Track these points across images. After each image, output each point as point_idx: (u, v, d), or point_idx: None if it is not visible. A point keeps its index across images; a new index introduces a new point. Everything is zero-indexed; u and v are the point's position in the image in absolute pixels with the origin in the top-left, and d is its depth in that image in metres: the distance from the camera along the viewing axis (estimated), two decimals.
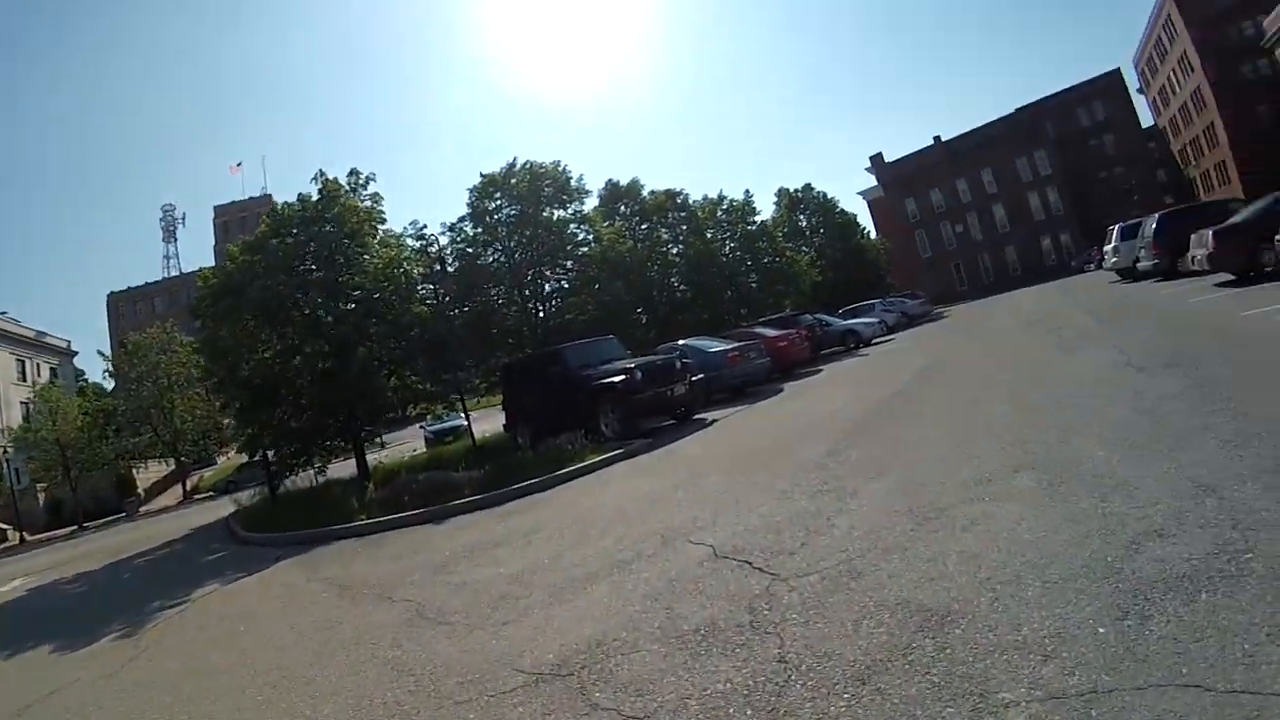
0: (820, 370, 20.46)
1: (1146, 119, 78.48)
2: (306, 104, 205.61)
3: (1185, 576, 3.08)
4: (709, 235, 35.30)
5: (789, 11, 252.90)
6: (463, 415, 20.02)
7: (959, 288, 69.86)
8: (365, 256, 19.09)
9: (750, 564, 4.67)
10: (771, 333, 21.17)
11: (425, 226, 23.42)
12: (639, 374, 13.91)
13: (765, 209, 43.83)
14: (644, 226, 33.51)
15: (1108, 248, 27.27)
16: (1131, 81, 76.51)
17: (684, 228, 34.27)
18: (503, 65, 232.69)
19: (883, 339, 28.06)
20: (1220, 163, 60.33)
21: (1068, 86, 74.98)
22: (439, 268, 21.80)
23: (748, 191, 37.89)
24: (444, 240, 24.29)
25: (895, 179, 75.53)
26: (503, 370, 19.00)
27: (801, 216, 49.68)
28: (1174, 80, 67.38)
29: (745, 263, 35.88)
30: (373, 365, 17.96)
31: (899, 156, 77.31)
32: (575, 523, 7.58)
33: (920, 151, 77.17)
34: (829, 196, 49.94)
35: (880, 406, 10.20)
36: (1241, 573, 2.97)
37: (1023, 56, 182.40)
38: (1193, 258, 16.60)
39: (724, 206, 36.89)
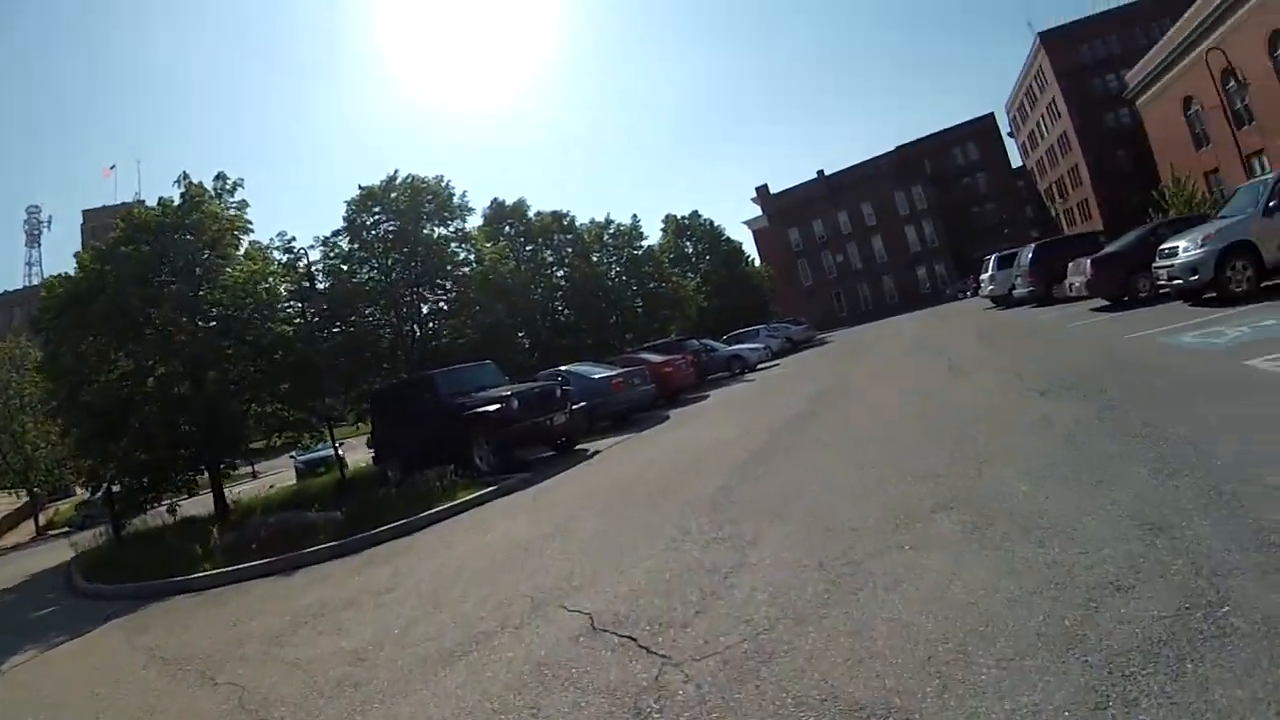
0: (707, 396, 20.02)
1: (1016, 160, 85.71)
2: (190, 106, 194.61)
3: (1161, 641, 2.57)
4: (595, 259, 34.76)
5: (684, 47, 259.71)
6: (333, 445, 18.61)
7: (839, 314, 72.60)
8: (228, 269, 17.28)
9: (635, 640, 3.80)
10: (656, 358, 20.63)
11: (294, 239, 21.31)
12: (516, 402, 12.91)
13: (653, 235, 44.08)
14: (529, 248, 32.68)
15: (984, 276, 28.66)
16: (1003, 125, 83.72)
17: (570, 250, 33.68)
18: (399, 78, 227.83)
19: (768, 364, 28.09)
20: (1083, 200, 66.21)
21: (945, 128, 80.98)
22: (308, 284, 20.05)
23: (635, 216, 37.78)
24: (316, 255, 22.44)
25: (779, 210, 77.95)
26: (371, 398, 17.65)
27: (688, 243, 49.96)
28: (1043, 125, 73.64)
29: (631, 287, 35.57)
30: (228, 390, 16.30)
31: (784, 188, 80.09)
32: (436, 577, 6.52)
33: (804, 184, 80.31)
34: (715, 224, 50.61)
35: (773, 435, 9.59)
36: (1224, 632, 2.54)
37: (906, 99, 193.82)
38: (1071, 285, 17.37)
39: (611, 230, 36.56)
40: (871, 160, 78.81)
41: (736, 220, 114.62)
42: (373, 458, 16.81)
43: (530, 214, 32.89)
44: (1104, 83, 60.35)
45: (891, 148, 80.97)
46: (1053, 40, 64.40)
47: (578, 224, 34.51)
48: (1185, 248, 12.15)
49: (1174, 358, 8.38)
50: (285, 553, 9.52)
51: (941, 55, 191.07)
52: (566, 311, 32.46)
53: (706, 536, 5.43)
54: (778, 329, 37.39)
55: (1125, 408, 6.34)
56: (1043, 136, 74.91)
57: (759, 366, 26.86)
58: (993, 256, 28.04)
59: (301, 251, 21.12)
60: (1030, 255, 22.85)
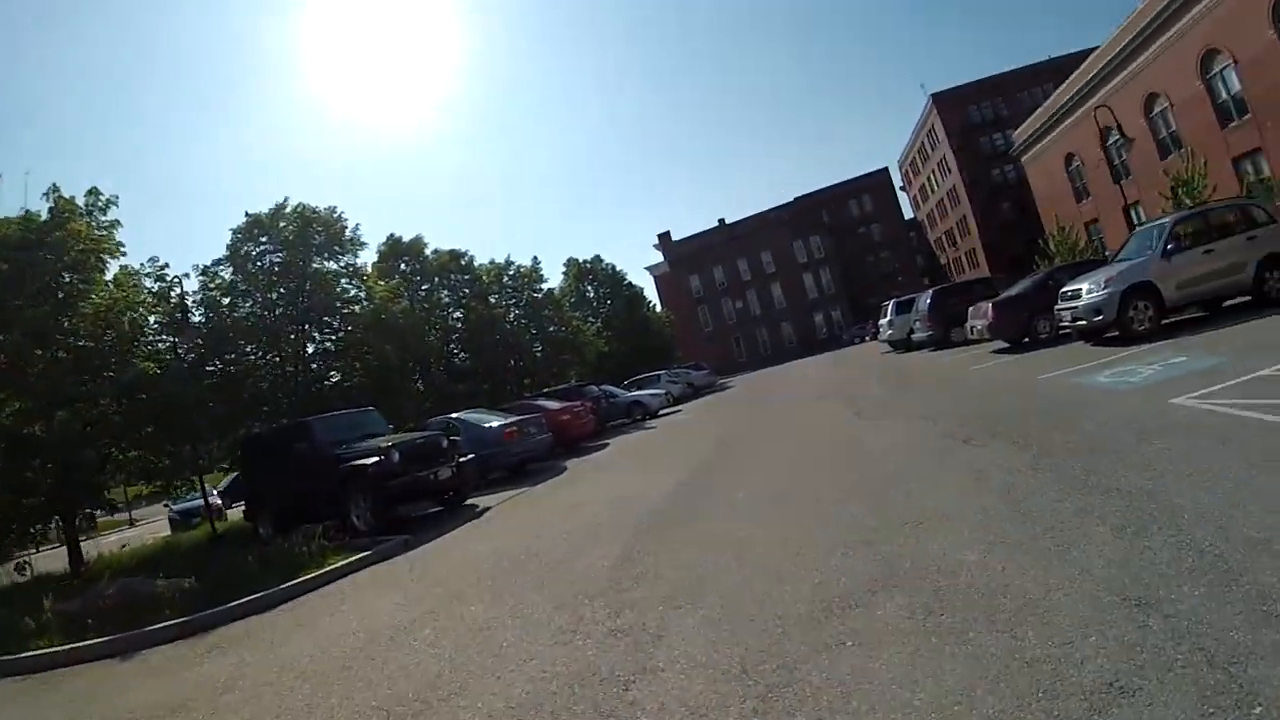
0: (607, 445, 19.16)
1: (908, 212, 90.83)
2: (88, 118, 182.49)
3: None
4: (494, 301, 33.69)
5: (590, 94, 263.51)
6: (215, 494, 17.18)
7: (739, 359, 73.60)
8: (92, 295, 15.28)
9: None
10: (554, 405, 19.69)
11: (166, 265, 19.02)
12: (396, 454, 11.70)
13: (554, 278, 43.54)
14: (425, 287, 31.40)
15: (883, 321, 29.12)
16: (896, 180, 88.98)
17: (467, 291, 32.48)
18: (305, 108, 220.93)
19: (670, 410, 27.49)
20: (971, 249, 70.94)
21: (842, 181, 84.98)
22: (181, 316, 18.01)
23: (535, 258, 37.02)
24: (194, 285, 20.29)
25: (681, 256, 78.88)
26: (242, 445, 16.04)
27: (590, 287, 49.69)
28: (933, 180, 78.73)
29: (530, 331, 34.57)
30: (81, 432, 14.26)
31: (686, 235, 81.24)
32: (283, 675, 5.30)
33: (706, 232, 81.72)
34: (617, 269, 50.54)
35: (678, 492, 8.81)
36: None
37: (806, 153, 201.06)
38: (972, 328, 17.66)
39: (511, 272, 35.59)
40: (772, 210, 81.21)
41: (639, 266, 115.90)
42: (244, 512, 15.36)
43: (428, 251, 31.71)
44: (991, 141, 66.08)
45: (790, 198, 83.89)
46: (944, 101, 69.25)
47: (476, 264, 33.53)
48: (1089, 290, 12.29)
49: (1094, 398, 8.11)
50: (127, 629, 7.99)
51: (840, 113, 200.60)
52: (463, 355, 31.22)
53: (603, 627, 4.50)
54: (679, 374, 37.07)
55: (1060, 454, 5.89)
56: (933, 190, 79.92)
57: (661, 412, 26.26)
58: (891, 302, 28.63)
59: (175, 280, 18.99)
60: (929, 300, 23.34)
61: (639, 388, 32.05)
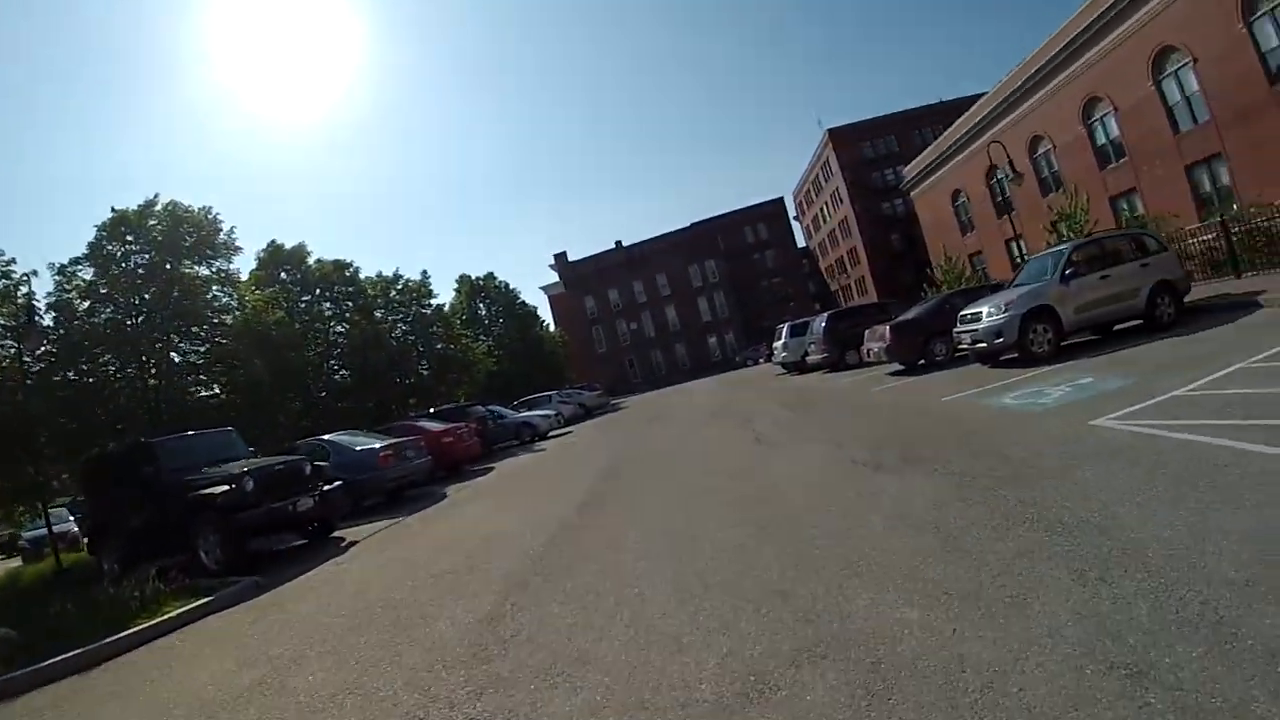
0: (492, 469, 18.00)
1: (801, 241, 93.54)
2: None
3: None
4: (379, 315, 31.92)
5: (492, 112, 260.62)
6: (69, 520, 15.59)
7: (633, 380, 73.32)
8: None
9: None
10: (435, 426, 18.44)
11: (12, 261, 16.71)
12: (250, 482, 10.36)
13: (446, 294, 41.99)
14: (306, 299, 29.44)
15: (777, 343, 29.01)
16: (791, 209, 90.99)
17: (351, 304, 30.54)
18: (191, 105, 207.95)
19: (560, 431, 26.46)
20: (861, 278, 73.02)
21: (738, 209, 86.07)
22: (26, 319, 15.74)
23: (425, 273, 35.41)
24: (48, 285, 18.03)
25: (577, 276, 78.10)
26: (81, 469, 13.94)
27: (481, 305, 48.35)
28: (826, 210, 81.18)
29: (418, 348, 32.88)
30: None
31: (582, 256, 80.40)
32: None
33: (602, 253, 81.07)
34: (511, 287, 49.39)
35: (562, 530, 7.86)
36: None
37: (703, 180, 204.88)
38: (869, 350, 17.54)
39: (400, 286, 33.77)
40: (669, 234, 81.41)
41: (534, 286, 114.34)
42: (86, 545, 13.58)
43: (311, 261, 29.68)
44: (882, 176, 69.08)
45: (688, 224, 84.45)
46: (840, 137, 71.82)
47: (363, 277, 31.69)
48: (989, 313, 12.27)
49: (1008, 420, 7.74)
50: None
51: (740, 143, 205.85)
52: (345, 372, 29.37)
53: (460, 714, 3.56)
54: (571, 395, 36.05)
55: (985, 483, 5.37)
56: (825, 220, 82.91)
57: (550, 434, 25.22)
58: (786, 324, 28.67)
59: (23, 278, 16.68)
60: (824, 323, 23.36)
61: (530, 408, 31.00)
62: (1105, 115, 30.09)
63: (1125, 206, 29.63)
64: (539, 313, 51.95)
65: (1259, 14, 22.44)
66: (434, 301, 34.87)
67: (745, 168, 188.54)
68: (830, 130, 72.13)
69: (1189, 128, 26.35)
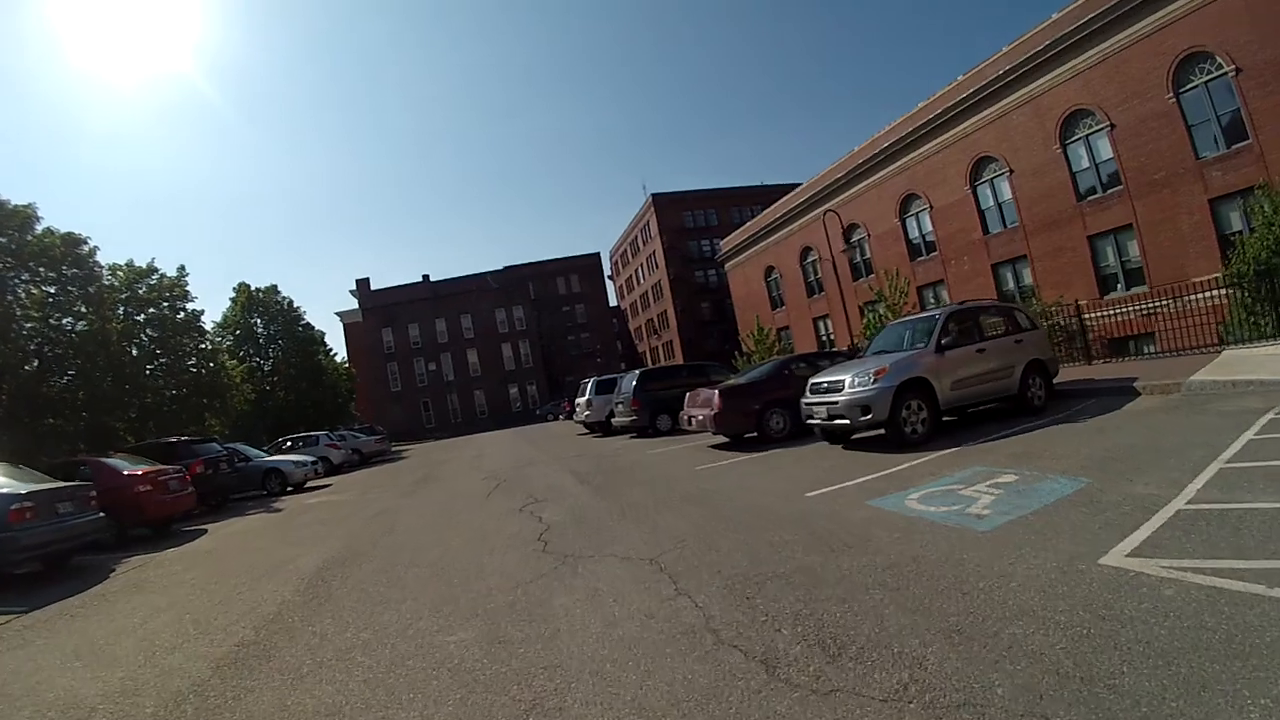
0: (205, 531, 13.42)
1: (614, 300, 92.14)
2: None
3: None
4: (121, 313, 25.72)
5: (307, 121, 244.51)
6: None
7: (427, 425, 67.48)
8: None
9: None
10: (129, 468, 13.32)
11: None
12: None
13: (220, 304, 35.68)
14: (22, 277, 22.77)
15: (580, 399, 26.07)
16: (606, 267, 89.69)
17: (74, 291, 23.87)
18: None
19: (319, 483, 21.74)
20: (669, 341, 73.06)
21: (555, 258, 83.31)
22: None
23: (182, 267, 28.78)
24: None
25: (378, 306, 71.08)
26: None
27: (258, 320, 41.91)
28: (641, 272, 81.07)
29: (161, 360, 26.71)
30: None
31: (386, 286, 73.65)
32: None
33: (408, 285, 74.78)
34: (294, 304, 42.92)
35: (245, 645, 4.95)
36: None
37: (521, 227, 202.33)
38: (690, 418, 14.55)
39: (152, 280, 27.43)
40: (478, 274, 76.74)
41: (330, 309, 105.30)
42: None
43: (38, 229, 22.97)
44: (699, 246, 70.50)
45: (501, 266, 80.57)
46: (663, 202, 71.96)
47: (99, 259, 24.82)
48: (854, 384, 10.02)
49: (953, 550, 4.93)
50: None
51: (561, 195, 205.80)
52: (62, 379, 23.34)
53: None
54: (344, 437, 30.78)
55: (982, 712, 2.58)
56: (639, 282, 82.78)
57: (307, 484, 20.52)
58: (592, 380, 25.83)
59: None
60: (634, 381, 20.61)
61: (295, 449, 26.12)
62: (921, 211, 30.91)
63: (932, 297, 30.22)
64: (326, 339, 45.65)
65: (1074, 138, 23.82)
66: (190, 306, 28.54)
67: (566, 222, 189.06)
68: (655, 195, 72.33)
69: (998, 230, 27.30)
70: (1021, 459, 7.52)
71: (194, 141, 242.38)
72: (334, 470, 25.78)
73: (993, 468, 7.25)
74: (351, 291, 73.30)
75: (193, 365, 26.94)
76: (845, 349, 22.64)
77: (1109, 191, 22.84)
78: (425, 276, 75.29)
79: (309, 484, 20.62)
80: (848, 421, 9.96)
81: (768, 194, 54.47)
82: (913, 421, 9.61)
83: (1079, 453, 7.36)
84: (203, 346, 28.05)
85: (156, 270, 27.51)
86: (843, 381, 10.22)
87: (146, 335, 26.92)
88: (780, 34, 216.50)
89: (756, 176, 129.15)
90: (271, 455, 22.46)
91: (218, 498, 17.52)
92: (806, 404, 11.07)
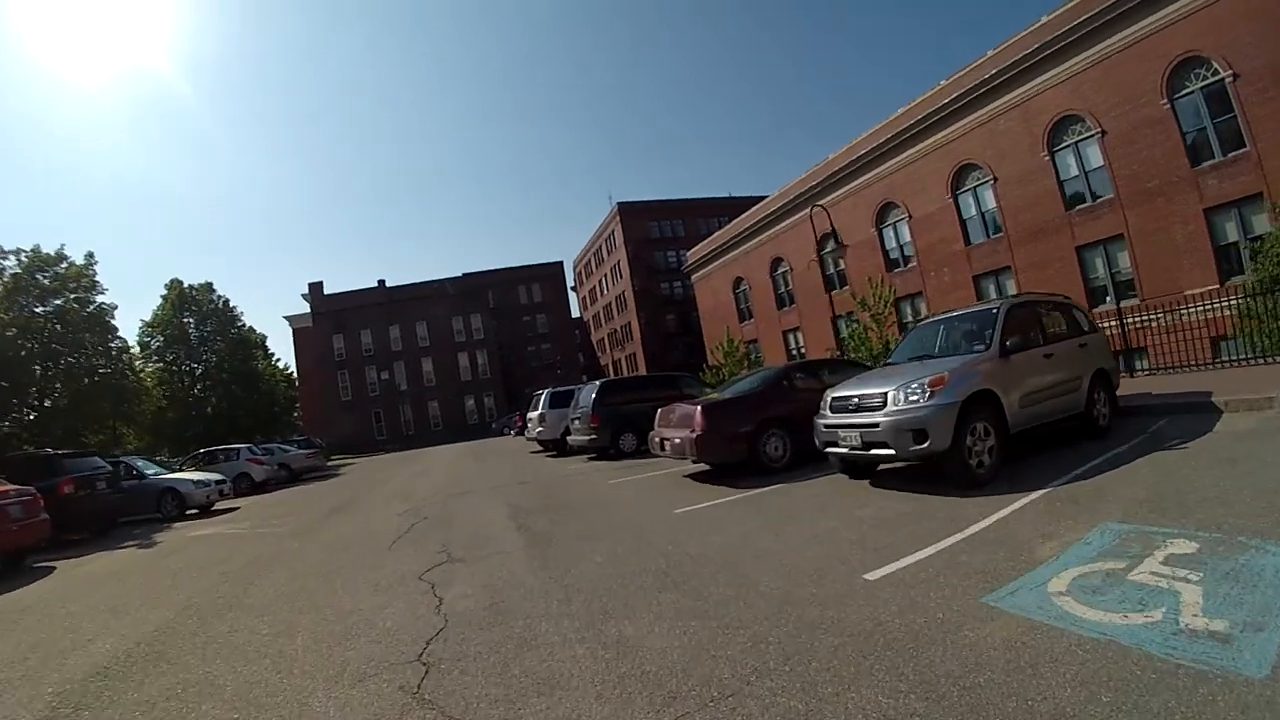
0: (51, 571, 10.41)
1: (576, 310, 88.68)
2: None
3: None
4: (20, 302, 22.41)
5: (268, 144, 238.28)
6: None
7: (378, 436, 63.39)
8: None
9: None
10: None
11: None
12: None
13: (150, 303, 32.19)
14: None
15: (533, 414, 22.74)
16: (570, 279, 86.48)
17: None
18: None
19: (230, 504, 18.60)
20: (632, 354, 70.33)
21: (515, 265, 79.88)
22: None
23: (90, 254, 25.15)
24: None
25: (330, 311, 67.02)
26: None
27: (191, 320, 38.23)
28: (605, 283, 78.38)
29: (59, 359, 23.27)
30: None
31: (340, 290, 69.71)
32: None
33: (362, 290, 70.97)
34: (230, 304, 39.33)
35: None
36: None
37: (481, 233, 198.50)
38: (664, 441, 11.51)
39: (62, 268, 24.06)
40: (436, 281, 73.15)
41: (279, 312, 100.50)
42: None
43: None
44: (665, 257, 68.56)
45: (460, 273, 77.01)
46: (629, 212, 69.55)
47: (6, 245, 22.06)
48: (899, 399, 7.27)
49: None
50: None
51: (525, 203, 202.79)
52: None
53: None
54: (270, 451, 26.96)
55: None
56: (603, 293, 79.98)
57: (214, 507, 17.49)
58: (545, 392, 22.51)
59: None
60: (594, 394, 17.56)
61: (213, 462, 23.03)
62: (899, 221, 29.33)
63: (910, 309, 28.57)
64: (265, 342, 42.07)
65: (1062, 145, 22.34)
66: (101, 299, 25.03)
67: (528, 230, 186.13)
68: (620, 204, 69.98)
69: (981, 240, 25.81)
70: (1159, 509, 5.13)
71: (138, 138, 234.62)
72: (257, 488, 22.66)
73: (1137, 526, 4.81)
74: (304, 295, 69.42)
75: (103, 366, 23.49)
76: (831, 358, 20.36)
77: (1099, 200, 21.52)
78: (381, 282, 71.80)
79: (217, 506, 17.60)
80: (892, 451, 7.28)
81: (736, 206, 52.46)
82: (978, 451, 7.02)
83: (1240, 497, 5.05)
84: (112, 345, 24.53)
85: (66, 258, 24.11)
86: (883, 396, 7.47)
87: (53, 328, 23.38)
88: (756, 41, 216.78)
89: (725, 189, 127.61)
90: (182, 471, 19.36)
91: (99, 522, 14.53)
92: (826, 426, 8.27)
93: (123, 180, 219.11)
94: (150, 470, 17.66)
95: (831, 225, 18.86)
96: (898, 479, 8.07)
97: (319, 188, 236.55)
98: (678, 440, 10.93)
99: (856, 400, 7.90)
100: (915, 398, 7.13)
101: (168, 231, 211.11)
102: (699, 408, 10.80)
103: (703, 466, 11.49)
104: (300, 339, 68.67)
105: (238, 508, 17.76)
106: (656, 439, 11.88)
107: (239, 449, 24.08)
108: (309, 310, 68.34)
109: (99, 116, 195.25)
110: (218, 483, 17.66)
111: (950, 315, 9.39)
